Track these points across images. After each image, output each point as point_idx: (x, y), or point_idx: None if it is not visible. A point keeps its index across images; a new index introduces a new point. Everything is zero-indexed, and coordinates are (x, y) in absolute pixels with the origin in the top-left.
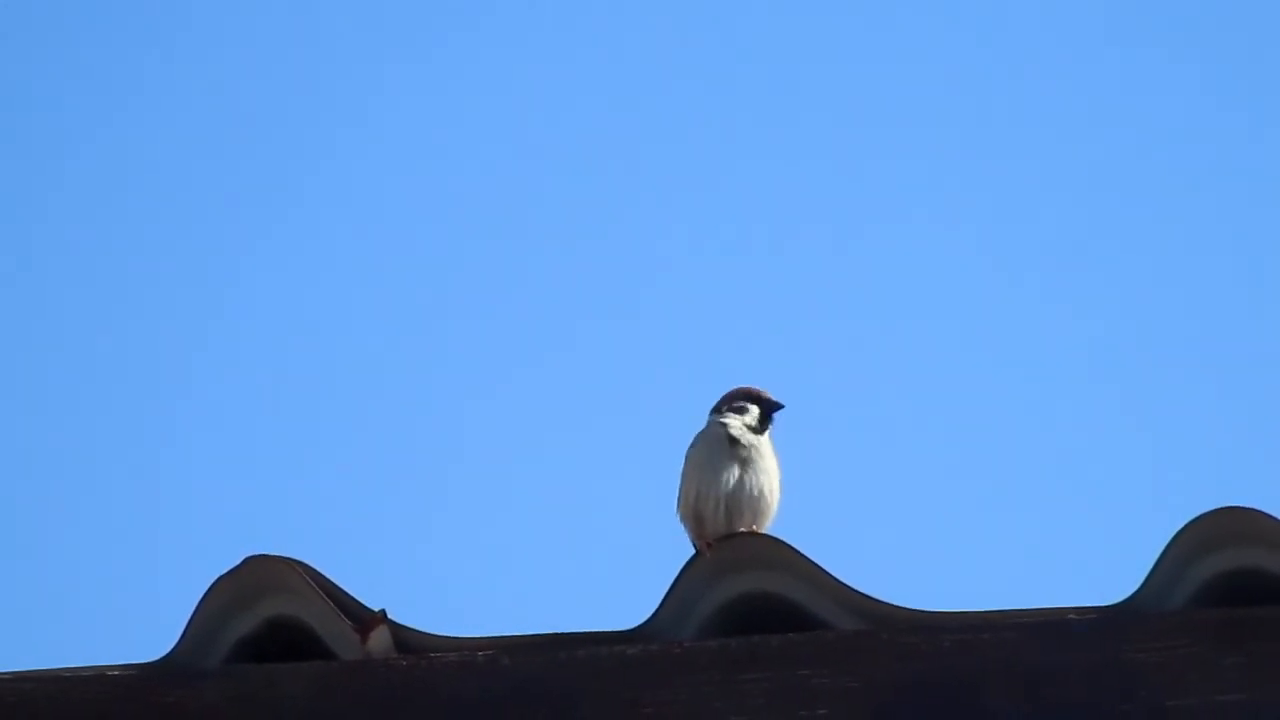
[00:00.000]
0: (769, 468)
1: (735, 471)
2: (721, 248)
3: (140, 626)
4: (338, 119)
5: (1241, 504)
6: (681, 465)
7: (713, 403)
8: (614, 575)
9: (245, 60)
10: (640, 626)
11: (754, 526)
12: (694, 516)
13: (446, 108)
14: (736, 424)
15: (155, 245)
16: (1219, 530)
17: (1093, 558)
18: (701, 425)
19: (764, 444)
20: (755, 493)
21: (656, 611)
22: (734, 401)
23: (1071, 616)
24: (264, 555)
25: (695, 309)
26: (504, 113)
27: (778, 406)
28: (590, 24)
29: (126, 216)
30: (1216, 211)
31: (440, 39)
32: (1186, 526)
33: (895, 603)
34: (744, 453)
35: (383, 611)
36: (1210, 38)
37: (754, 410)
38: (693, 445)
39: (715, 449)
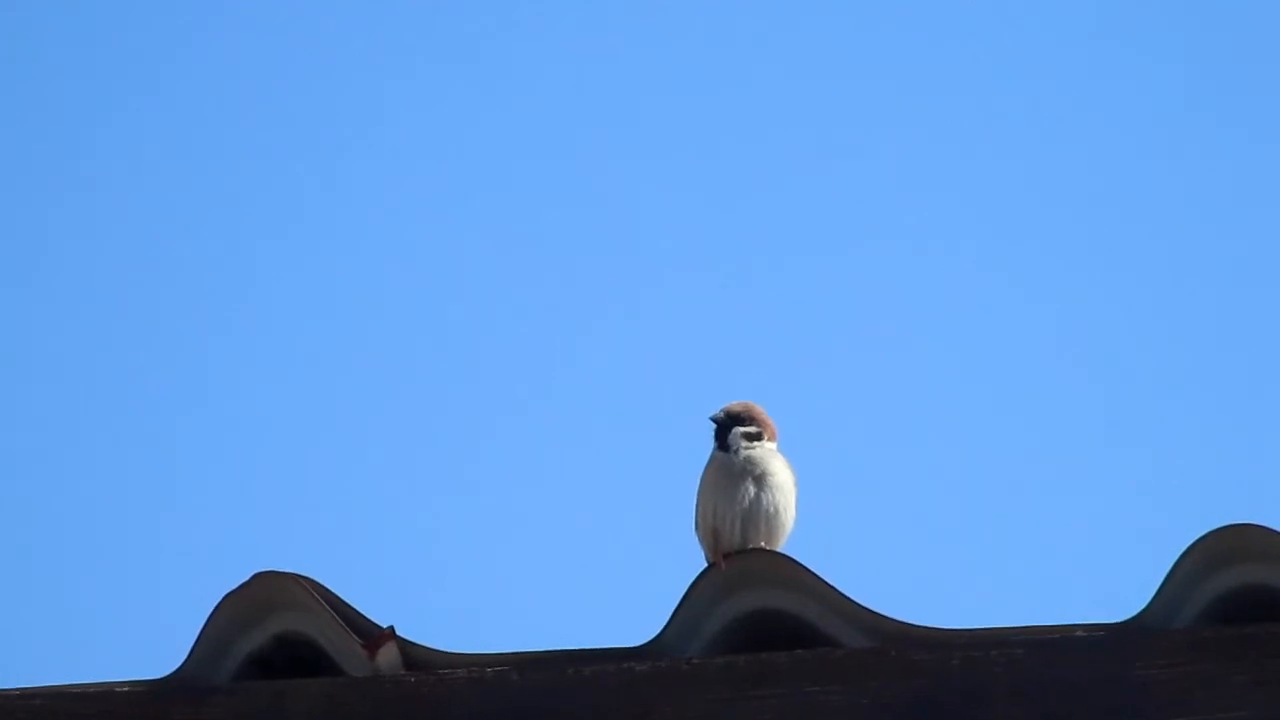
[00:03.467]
0: (784, 485)
1: (751, 489)
2: (743, 260)
3: (149, 643)
4: (336, 123)
5: (1251, 520)
6: (697, 482)
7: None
8: (622, 591)
9: (243, 62)
10: (649, 643)
11: (764, 543)
12: (710, 533)
13: (450, 110)
14: (736, 443)
15: (158, 251)
16: (1228, 547)
17: (1101, 575)
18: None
19: (778, 463)
20: (772, 510)
21: (665, 628)
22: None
23: (1080, 633)
24: (272, 571)
25: (709, 325)
26: (510, 118)
27: (715, 420)
28: (601, 30)
29: (127, 219)
30: (1224, 219)
31: (446, 41)
32: (1195, 543)
33: (904, 619)
34: (755, 470)
35: (391, 628)
36: (1214, 41)
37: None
38: (709, 463)
39: (728, 467)
